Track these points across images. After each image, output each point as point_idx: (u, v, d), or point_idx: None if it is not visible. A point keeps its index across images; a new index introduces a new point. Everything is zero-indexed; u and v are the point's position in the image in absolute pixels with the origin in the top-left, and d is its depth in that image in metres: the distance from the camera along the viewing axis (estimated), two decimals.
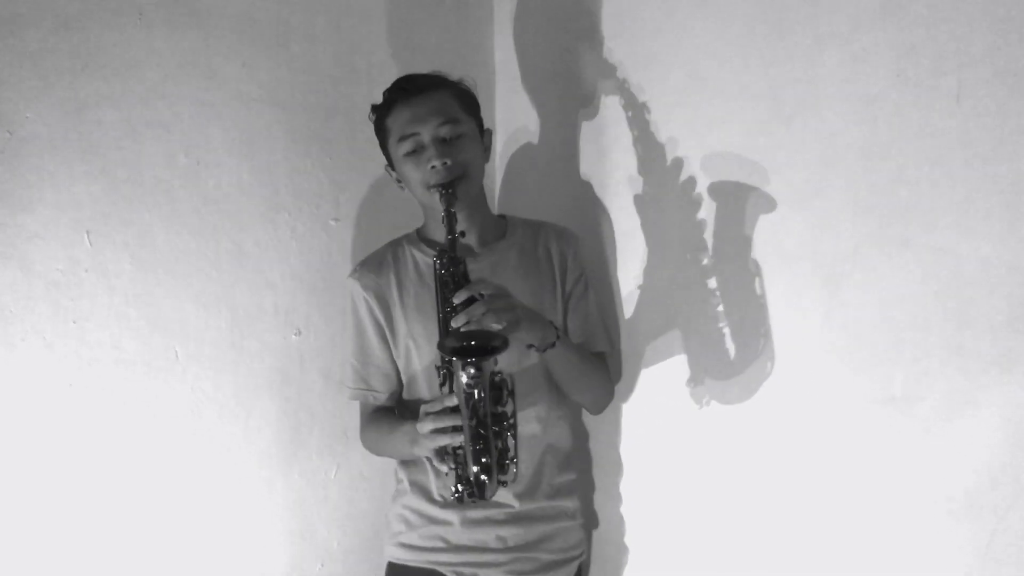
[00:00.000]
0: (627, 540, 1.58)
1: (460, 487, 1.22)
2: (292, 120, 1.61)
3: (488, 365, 1.14)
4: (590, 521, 1.65)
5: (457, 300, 1.19)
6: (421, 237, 1.49)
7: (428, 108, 1.35)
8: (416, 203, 1.46)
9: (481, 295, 1.19)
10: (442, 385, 1.27)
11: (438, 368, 1.27)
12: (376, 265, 1.46)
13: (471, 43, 1.85)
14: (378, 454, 1.52)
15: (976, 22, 0.98)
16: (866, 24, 1.10)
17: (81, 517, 1.43)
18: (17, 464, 1.38)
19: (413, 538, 1.42)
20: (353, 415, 1.69)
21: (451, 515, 1.39)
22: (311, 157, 1.64)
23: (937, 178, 1.03)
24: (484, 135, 1.45)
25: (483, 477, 1.19)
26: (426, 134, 1.33)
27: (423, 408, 1.26)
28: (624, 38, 1.50)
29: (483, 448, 1.18)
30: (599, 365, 1.48)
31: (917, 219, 1.06)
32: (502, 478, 1.21)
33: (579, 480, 1.52)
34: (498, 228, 1.49)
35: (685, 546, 1.46)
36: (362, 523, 1.73)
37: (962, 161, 1.01)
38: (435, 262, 1.27)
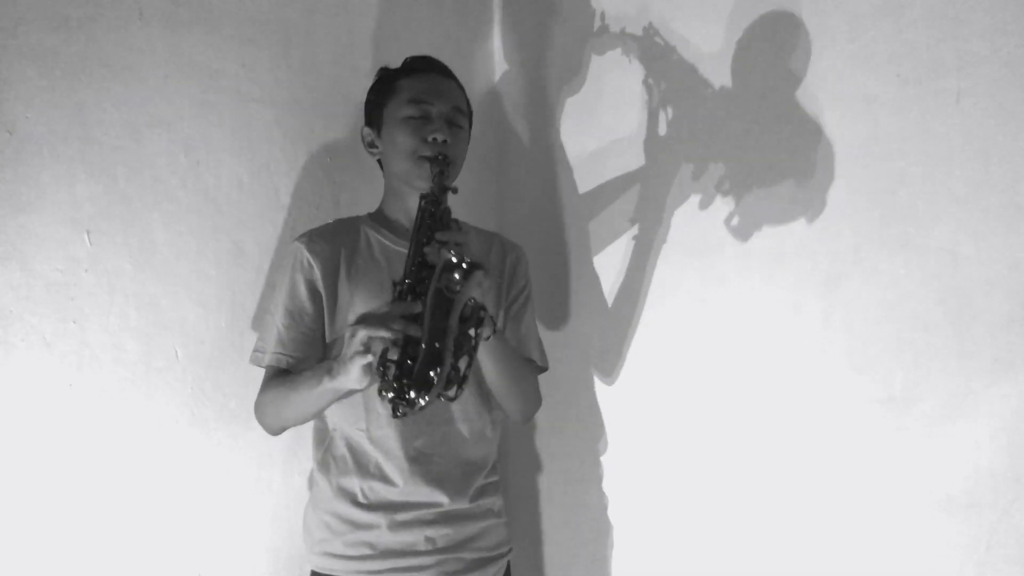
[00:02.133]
0: (619, 539, 1.58)
1: (396, 387, 1.09)
2: (292, 120, 1.61)
3: (475, 279, 1.10)
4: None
5: (443, 238, 1.13)
6: (376, 218, 1.45)
7: (447, 87, 1.38)
8: (379, 183, 1.43)
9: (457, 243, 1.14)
10: (398, 297, 1.16)
11: (395, 283, 1.16)
12: (329, 235, 1.42)
13: (471, 43, 1.85)
14: (272, 418, 1.38)
15: (976, 22, 0.98)
16: (866, 24, 1.10)
17: (81, 517, 1.43)
18: (17, 464, 1.38)
19: (337, 546, 1.35)
20: None
21: (378, 518, 1.33)
22: (311, 157, 1.64)
23: (937, 178, 1.03)
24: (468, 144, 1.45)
25: (414, 393, 1.08)
26: (437, 108, 1.34)
27: (364, 314, 1.18)
28: (624, 38, 1.51)
29: (436, 356, 1.09)
30: (530, 370, 1.46)
31: (917, 219, 1.06)
32: (445, 393, 1.12)
33: (502, 480, 1.49)
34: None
35: (685, 545, 1.46)
36: None
37: (962, 161, 1.01)
38: (420, 200, 1.23)
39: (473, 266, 1.11)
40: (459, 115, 1.37)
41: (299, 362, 1.36)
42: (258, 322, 1.51)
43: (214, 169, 1.53)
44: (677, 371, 1.45)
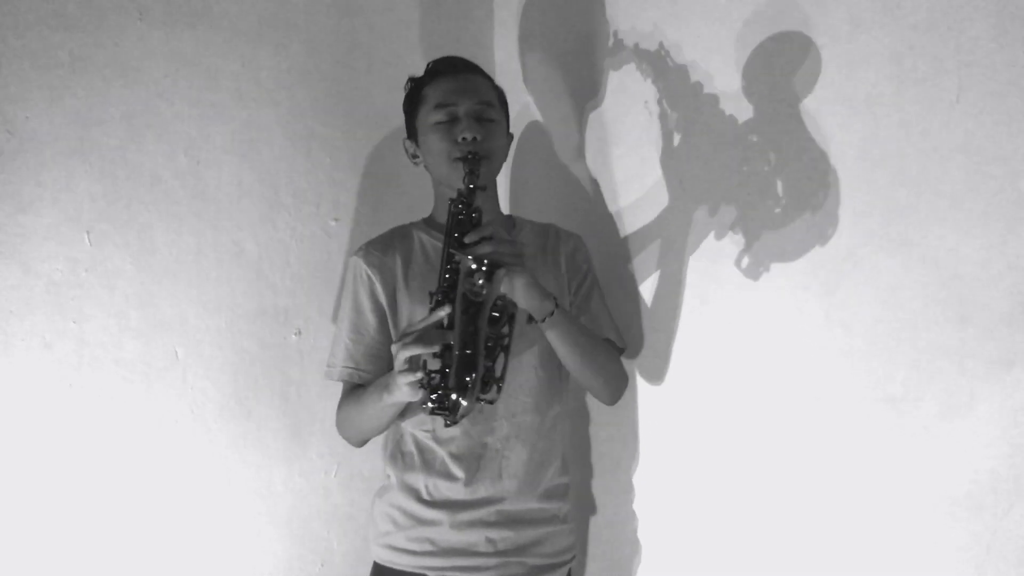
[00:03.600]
0: (640, 535, 1.57)
1: (435, 399, 1.12)
2: (292, 120, 1.61)
3: (499, 278, 1.11)
4: (586, 520, 1.65)
5: (470, 239, 1.16)
6: (430, 223, 1.47)
7: (470, 84, 1.37)
8: (425, 193, 1.44)
9: (489, 238, 1.16)
10: (432, 310, 1.18)
11: (431, 294, 1.19)
12: (383, 245, 1.43)
13: (471, 43, 1.85)
14: (352, 431, 1.42)
15: (976, 22, 0.98)
16: (866, 24, 1.10)
17: (81, 517, 1.43)
18: (17, 464, 1.38)
19: (400, 540, 1.36)
20: None
21: (440, 515, 1.34)
22: (311, 157, 1.64)
23: (937, 178, 1.03)
24: (509, 137, 1.46)
25: (455, 396, 1.10)
26: (462, 107, 1.34)
27: (405, 328, 1.21)
28: (624, 38, 1.51)
29: (470, 361, 1.11)
30: (607, 347, 1.44)
31: (917, 219, 1.06)
32: (483, 396, 1.14)
33: (572, 483, 1.50)
34: (506, 227, 1.47)
35: (684, 545, 1.46)
36: (362, 523, 1.73)
37: (962, 161, 1.01)
38: (450, 203, 1.23)
39: (494, 265, 1.12)
40: (488, 108, 1.36)
41: (372, 375, 1.38)
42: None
43: (214, 169, 1.53)
44: (676, 371, 1.45)
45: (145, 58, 1.45)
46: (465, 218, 1.20)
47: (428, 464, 1.37)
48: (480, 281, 1.11)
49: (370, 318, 1.39)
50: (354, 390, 1.40)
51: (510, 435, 1.36)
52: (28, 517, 1.39)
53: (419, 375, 1.13)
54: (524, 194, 1.83)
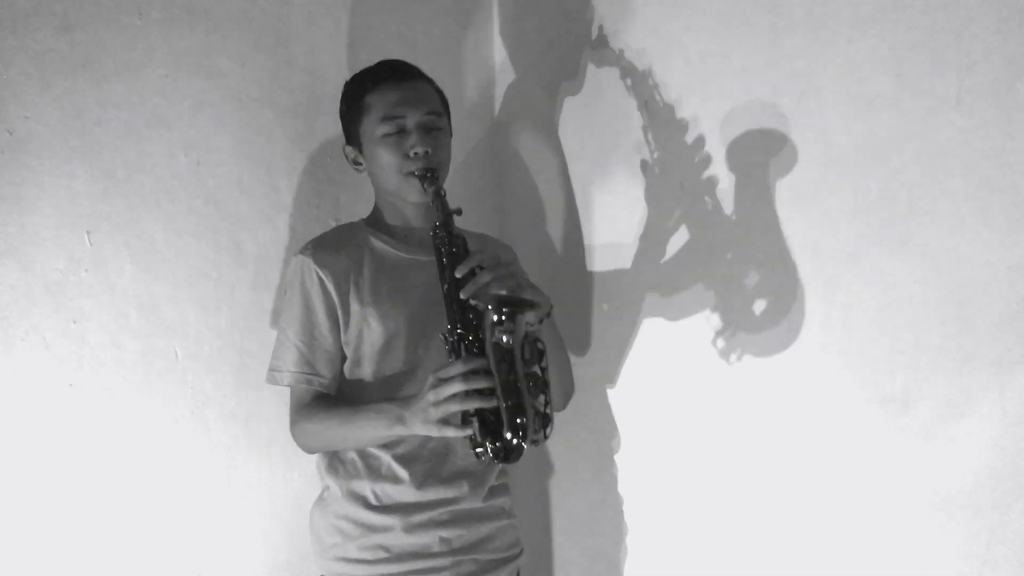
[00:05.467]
0: (628, 541, 1.58)
1: (487, 447, 1.16)
2: (292, 120, 1.61)
3: (522, 319, 1.13)
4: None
5: (459, 274, 1.18)
6: (375, 226, 1.44)
7: (417, 95, 1.34)
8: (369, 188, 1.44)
9: (481, 267, 1.18)
10: (450, 355, 1.21)
11: (445, 337, 1.21)
12: (331, 246, 1.40)
13: (471, 43, 1.85)
14: (318, 447, 1.39)
15: (976, 22, 0.98)
16: (866, 24, 1.10)
17: (81, 517, 1.43)
18: (17, 464, 1.38)
19: (352, 550, 1.33)
20: None
21: (392, 520, 1.32)
22: (311, 157, 1.64)
23: (937, 178, 1.03)
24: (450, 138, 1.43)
25: (515, 441, 1.14)
26: (411, 119, 1.32)
27: (433, 376, 1.18)
28: (625, 39, 1.51)
29: (517, 408, 1.14)
30: (567, 357, 1.47)
31: (917, 219, 1.06)
32: (535, 437, 1.17)
33: (526, 482, 1.50)
34: None
35: (685, 544, 1.46)
36: None
37: (962, 161, 1.01)
38: (433, 237, 1.25)
39: (514, 312, 1.12)
40: (435, 117, 1.35)
41: (329, 381, 1.37)
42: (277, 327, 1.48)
43: (214, 169, 1.53)
44: (677, 372, 1.45)
45: (145, 58, 1.45)
46: (452, 251, 1.23)
47: (373, 470, 1.34)
48: (506, 327, 1.12)
49: (323, 320, 1.35)
50: (321, 400, 1.37)
51: (455, 439, 1.32)
52: (28, 517, 1.39)
53: (468, 431, 1.17)
54: (521, 193, 1.83)
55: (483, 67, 1.87)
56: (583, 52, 1.62)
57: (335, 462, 1.38)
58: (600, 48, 1.57)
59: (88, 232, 1.42)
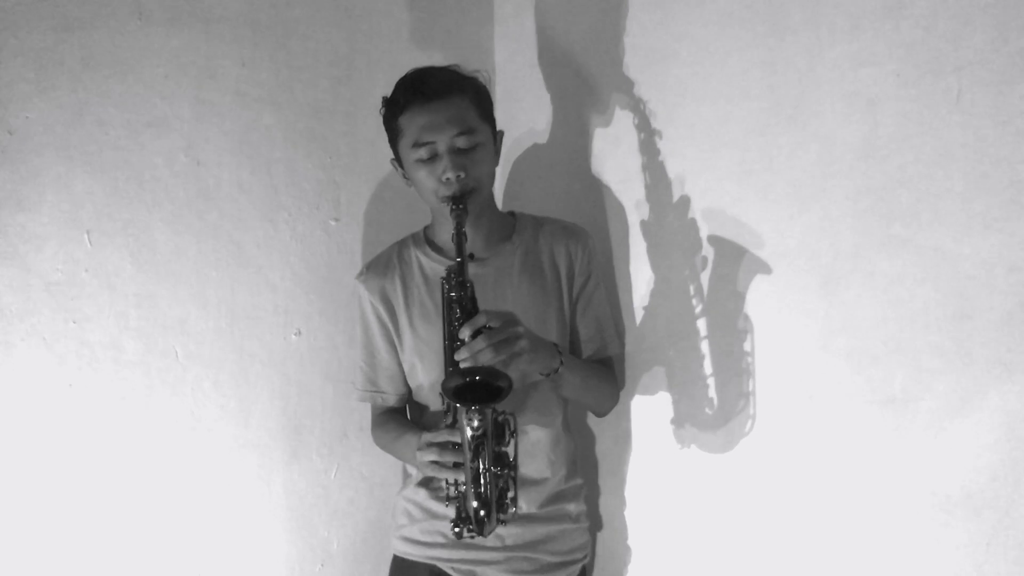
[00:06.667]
0: (630, 542, 1.58)
1: (459, 525, 1.22)
2: (292, 120, 1.61)
3: (488, 411, 1.14)
4: (595, 524, 1.65)
5: (463, 335, 1.18)
6: (427, 239, 1.47)
7: (446, 116, 1.29)
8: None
9: (487, 327, 1.17)
10: (446, 414, 1.27)
11: (441, 396, 1.26)
12: (382, 268, 1.45)
13: (471, 43, 1.85)
14: (388, 452, 1.53)
15: (976, 22, 0.98)
16: (866, 24, 1.10)
17: (81, 517, 1.43)
18: (17, 464, 1.38)
19: (415, 532, 1.42)
20: (352, 415, 1.70)
21: (451, 510, 1.37)
22: (311, 157, 1.64)
23: (937, 178, 1.03)
24: (497, 138, 1.42)
25: (482, 514, 1.19)
26: (442, 144, 1.29)
27: (424, 437, 1.29)
28: (624, 38, 1.50)
29: (485, 487, 1.18)
30: (606, 375, 1.48)
31: (917, 219, 1.06)
32: (501, 517, 1.21)
33: (585, 484, 1.52)
34: (505, 228, 1.46)
35: (684, 544, 1.46)
36: (362, 523, 1.73)
37: (962, 161, 1.01)
38: (443, 284, 1.25)
39: (481, 407, 1.13)
40: (469, 135, 1.30)
41: (393, 395, 1.48)
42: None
43: (214, 169, 1.53)
44: (677, 371, 1.45)
45: (145, 58, 1.45)
46: (457, 301, 1.23)
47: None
48: (479, 425, 1.14)
49: (380, 344, 1.46)
50: (386, 415, 1.50)
51: (520, 451, 1.34)
52: (28, 517, 1.39)
53: (441, 475, 1.26)
54: (522, 194, 1.83)
55: (483, 67, 1.87)
56: (582, 52, 1.62)
57: None
58: (599, 47, 1.57)
59: (88, 232, 1.42)
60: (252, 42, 1.56)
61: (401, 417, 1.50)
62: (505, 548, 1.38)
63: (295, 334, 1.63)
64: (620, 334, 1.51)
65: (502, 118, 1.88)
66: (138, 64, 1.45)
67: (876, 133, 1.10)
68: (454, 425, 1.25)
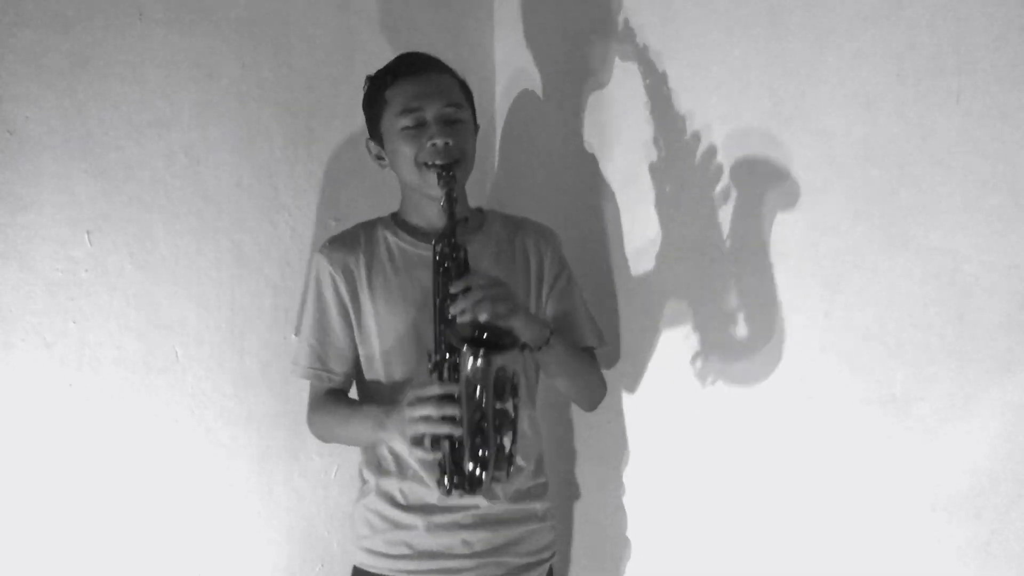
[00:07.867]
0: (628, 534, 1.57)
1: (452, 479, 1.19)
2: (292, 120, 1.61)
3: (496, 359, 1.11)
4: (590, 522, 1.65)
5: (455, 290, 1.16)
6: (397, 221, 1.44)
7: (435, 86, 1.33)
8: (396, 186, 1.44)
9: (479, 285, 1.17)
10: (432, 372, 1.21)
11: (430, 355, 1.22)
12: (347, 243, 1.41)
13: (471, 43, 1.85)
14: (329, 439, 1.46)
15: (976, 22, 0.98)
16: (866, 24, 1.10)
17: (81, 517, 1.43)
18: (17, 464, 1.38)
19: (378, 543, 1.37)
20: None
21: (415, 519, 1.34)
22: (311, 157, 1.64)
23: (937, 178, 1.03)
24: (476, 129, 1.42)
25: (478, 472, 1.16)
26: (430, 112, 1.31)
27: (412, 393, 1.20)
28: (624, 39, 1.50)
29: (481, 442, 1.15)
30: (591, 363, 1.45)
31: (917, 219, 1.06)
32: (497, 474, 1.18)
33: (550, 482, 1.49)
34: (475, 220, 1.45)
35: (684, 543, 1.46)
36: None
37: (962, 161, 1.01)
38: (434, 247, 1.24)
39: (488, 354, 1.11)
40: (457, 108, 1.33)
41: (341, 377, 1.40)
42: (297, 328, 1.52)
43: (214, 169, 1.53)
44: (676, 371, 1.45)
45: (145, 58, 1.45)
46: (451, 261, 1.21)
47: (402, 470, 1.36)
48: (482, 372, 1.11)
49: (335, 319, 1.39)
50: (330, 396, 1.41)
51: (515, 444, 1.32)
52: (28, 517, 1.39)
53: (436, 454, 1.19)
54: (520, 194, 1.83)
55: (483, 67, 1.87)
56: (582, 51, 1.62)
57: (372, 458, 1.40)
58: (599, 47, 1.57)
59: (88, 232, 1.42)
60: (252, 42, 1.56)
61: (346, 398, 1.44)
62: (474, 555, 1.34)
63: (295, 334, 1.63)
64: (599, 330, 1.48)
65: (501, 118, 1.89)
66: (138, 64, 1.45)
67: (876, 133, 1.10)
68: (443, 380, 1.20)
